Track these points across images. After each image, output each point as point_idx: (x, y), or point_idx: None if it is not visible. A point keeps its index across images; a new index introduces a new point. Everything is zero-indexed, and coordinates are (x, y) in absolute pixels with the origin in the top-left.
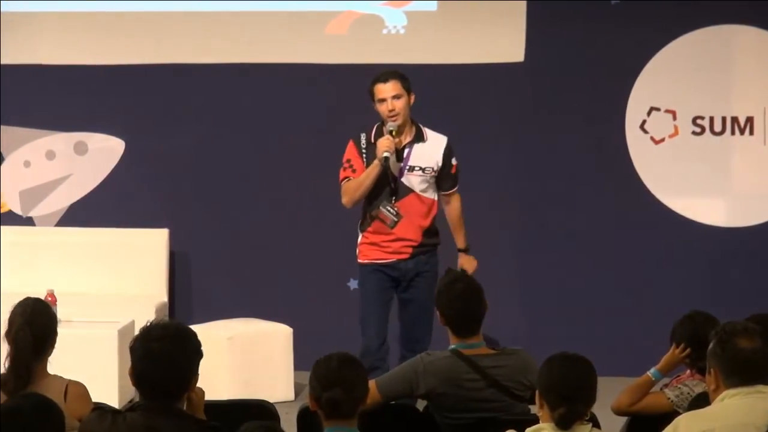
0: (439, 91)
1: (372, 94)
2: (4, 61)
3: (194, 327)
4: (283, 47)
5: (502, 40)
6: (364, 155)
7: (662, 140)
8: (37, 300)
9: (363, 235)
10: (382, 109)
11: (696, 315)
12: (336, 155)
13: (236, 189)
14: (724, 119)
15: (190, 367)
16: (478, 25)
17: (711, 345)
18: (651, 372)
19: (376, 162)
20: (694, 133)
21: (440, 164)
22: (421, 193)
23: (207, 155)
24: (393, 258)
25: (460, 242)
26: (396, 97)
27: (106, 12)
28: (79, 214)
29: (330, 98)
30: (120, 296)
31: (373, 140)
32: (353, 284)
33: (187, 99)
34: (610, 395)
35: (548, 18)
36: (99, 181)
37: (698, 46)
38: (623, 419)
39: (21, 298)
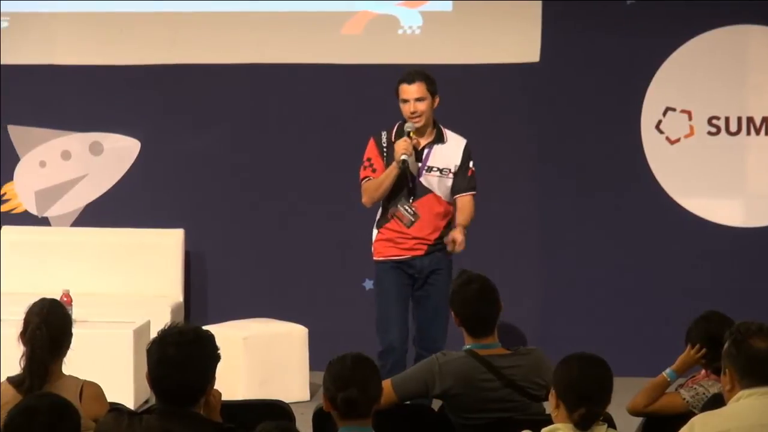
0: (454, 92)
1: (397, 93)
2: (20, 62)
3: (209, 327)
4: (299, 47)
5: (517, 41)
6: (384, 154)
7: (678, 140)
8: (52, 300)
9: (379, 231)
10: (405, 109)
11: (711, 315)
12: (351, 155)
13: (251, 189)
14: (739, 119)
15: (206, 373)
16: (493, 26)
17: (726, 345)
18: (666, 372)
19: (393, 164)
20: (709, 133)
21: (458, 165)
22: (440, 194)
23: (222, 155)
24: (408, 255)
25: (460, 220)
26: (419, 99)
27: (121, 12)
28: (95, 215)
29: (346, 98)
30: (135, 296)
31: (393, 139)
32: (368, 284)
33: (203, 99)
34: (626, 396)
35: (564, 18)
36: (114, 181)
37: (714, 46)
38: (639, 420)
39: (37, 299)
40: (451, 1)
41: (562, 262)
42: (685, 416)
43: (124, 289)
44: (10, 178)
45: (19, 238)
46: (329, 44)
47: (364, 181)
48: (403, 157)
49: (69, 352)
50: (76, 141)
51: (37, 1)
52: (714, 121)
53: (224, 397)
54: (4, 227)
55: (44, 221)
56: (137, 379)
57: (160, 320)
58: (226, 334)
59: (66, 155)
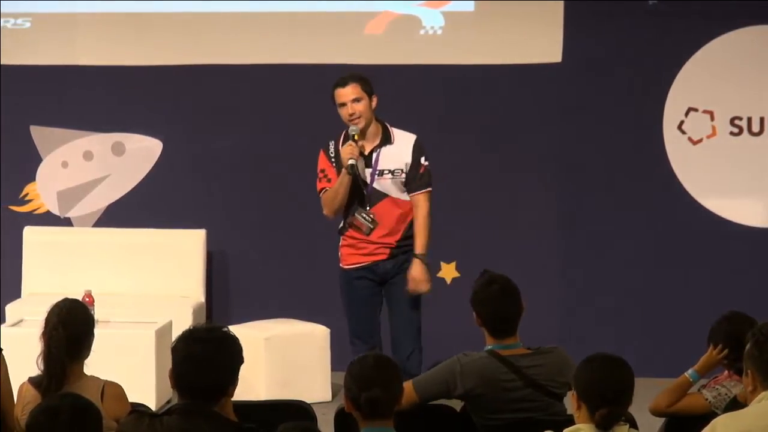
0: (476, 92)
1: (334, 100)
2: (42, 62)
3: (231, 327)
4: (322, 48)
5: (539, 41)
6: (334, 163)
7: (700, 141)
8: (73, 301)
9: (342, 238)
10: (344, 113)
11: (733, 316)
12: None
13: (273, 189)
14: (762, 119)
15: (230, 373)
16: (515, 26)
17: (748, 346)
18: (689, 373)
19: (343, 171)
20: (731, 133)
21: (409, 164)
22: (396, 198)
23: (244, 155)
24: (370, 260)
25: (417, 246)
26: (356, 100)
27: (144, 13)
28: (117, 215)
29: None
30: (157, 297)
31: (340, 147)
32: None
33: (225, 99)
34: (648, 396)
35: (586, 18)
36: (137, 181)
37: (736, 46)
38: (661, 420)
39: (59, 299)
40: (473, 2)
41: (582, 262)
42: (707, 417)
43: (146, 290)
44: (33, 179)
45: (41, 239)
46: (352, 44)
47: (321, 193)
48: (351, 161)
49: (91, 353)
50: (99, 141)
51: (59, 1)
52: (736, 122)
53: (245, 398)
54: (26, 228)
55: (66, 222)
56: (159, 379)
57: (182, 321)
58: (247, 334)
59: (88, 156)
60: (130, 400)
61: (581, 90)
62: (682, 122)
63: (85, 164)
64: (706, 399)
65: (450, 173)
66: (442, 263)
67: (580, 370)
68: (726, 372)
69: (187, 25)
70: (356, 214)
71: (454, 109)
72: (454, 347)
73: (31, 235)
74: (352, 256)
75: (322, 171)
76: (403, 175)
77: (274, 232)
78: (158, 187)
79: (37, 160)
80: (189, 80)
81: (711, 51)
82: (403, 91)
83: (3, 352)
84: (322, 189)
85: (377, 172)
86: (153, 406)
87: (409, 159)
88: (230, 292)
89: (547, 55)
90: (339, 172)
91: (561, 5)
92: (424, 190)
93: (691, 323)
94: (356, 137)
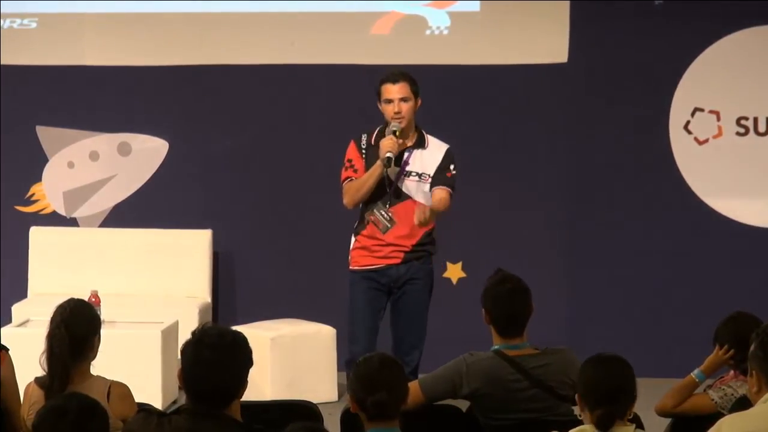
0: (481, 92)
1: (379, 94)
2: (48, 62)
3: (238, 328)
4: (328, 48)
5: (545, 41)
6: (364, 156)
7: (706, 141)
8: (78, 301)
9: (356, 239)
10: (388, 109)
11: (739, 316)
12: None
13: (279, 189)
14: None
15: (240, 377)
16: (521, 26)
17: (752, 347)
18: (695, 373)
19: (378, 162)
20: (738, 133)
21: (436, 168)
22: (418, 202)
23: (251, 156)
24: (383, 263)
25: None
26: (404, 99)
27: (149, 13)
28: (123, 215)
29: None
30: (163, 297)
31: (373, 142)
32: None
33: (231, 100)
34: (654, 397)
35: (592, 18)
36: (143, 181)
37: (742, 46)
38: (667, 420)
39: (65, 299)
40: (479, 2)
41: (589, 263)
42: (713, 417)
43: (153, 290)
44: (39, 179)
45: (47, 239)
46: (358, 45)
47: (345, 182)
48: (389, 154)
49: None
50: (105, 142)
51: (66, 1)
52: (742, 122)
53: (251, 398)
54: (32, 228)
55: (73, 222)
56: (165, 379)
57: (188, 321)
58: (253, 334)
59: (94, 156)
60: (137, 400)
61: (587, 90)
62: (688, 122)
63: (92, 164)
64: (713, 399)
65: (456, 173)
66: (448, 263)
67: (581, 371)
68: (732, 372)
69: (193, 25)
70: (375, 211)
71: (460, 109)
72: (459, 347)
73: (37, 235)
74: (364, 257)
75: (350, 161)
76: (429, 180)
77: (280, 232)
78: (164, 187)
79: (44, 160)
80: (195, 80)
81: (717, 51)
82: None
83: (9, 352)
84: (347, 178)
85: (405, 173)
86: (159, 406)
87: (437, 165)
88: (236, 292)
89: (553, 55)
90: (367, 164)
91: (567, 5)
92: (446, 187)
93: (697, 323)
94: (398, 133)
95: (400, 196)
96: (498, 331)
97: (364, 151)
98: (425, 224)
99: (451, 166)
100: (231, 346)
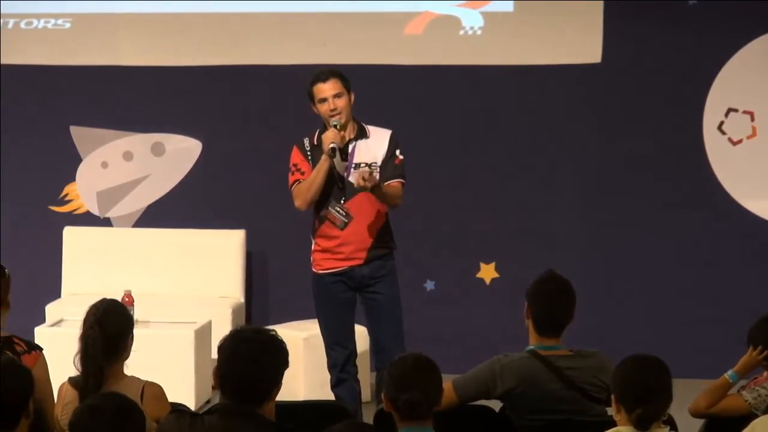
0: (515, 92)
1: (311, 96)
2: (82, 63)
3: (270, 327)
4: (361, 48)
5: (579, 41)
6: (309, 158)
7: (740, 141)
8: (112, 301)
9: (315, 242)
10: (324, 108)
11: None
12: (411, 155)
13: None
14: None
15: (274, 374)
16: (555, 26)
17: None
18: (728, 374)
19: (324, 157)
20: None
21: (384, 157)
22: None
23: (284, 156)
24: (346, 265)
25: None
26: (337, 95)
27: (184, 13)
28: (157, 215)
29: (406, 99)
30: (196, 297)
31: (316, 142)
32: (429, 285)
33: (265, 100)
34: (688, 397)
35: (625, 18)
36: (176, 182)
37: None
38: (701, 421)
39: (98, 299)
40: (513, 2)
41: (622, 263)
42: (747, 418)
43: (186, 290)
44: (72, 179)
45: (81, 239)
46: (391, 45)
47: (294, 185)
48: (332, 145)
49: (131, 353)
50: (138, 142)
51: (100, 1)
52: None
53: (284, 398)
54: (66, 228)
55: (106, 222)
56: (198, 379)
57: (221, 321)
58: (286, 334)
59: (128, 156)
60: (170, 400)
61: (621, 90)
62: (722, 123)
63: (125, 164)
64: (746, 400)
65: (490, 173)
66: (481, 264)
67: (616, 371)
68: (766, 373)
69: (227, 25)
70: (330, 208)
71: (494, 110)
72: (493, 347)
73: (70, 235)
74: (327, 260)
75: (295, 165)
76: (379, 169)
77: None
78: (198, 187)
79: (77, 160)
80: (229, 81)
81: (751, 51)
82: (443, 92)
83: (43, 352)
84: (295, 182)
85: (353, 165)
86: (192, 406)
87: (384, 152)
88: (269, 292)
89: (586, 55)
90: (314, 166)
91: (601, 5)
92: (397, 180)
93: (731, 324)
94: (338, 127)
95: (353, 190)
96: (536, 329)
97: (309, 153)
98: (366, 188)
99: (398, 151)
100: (267, 343)
